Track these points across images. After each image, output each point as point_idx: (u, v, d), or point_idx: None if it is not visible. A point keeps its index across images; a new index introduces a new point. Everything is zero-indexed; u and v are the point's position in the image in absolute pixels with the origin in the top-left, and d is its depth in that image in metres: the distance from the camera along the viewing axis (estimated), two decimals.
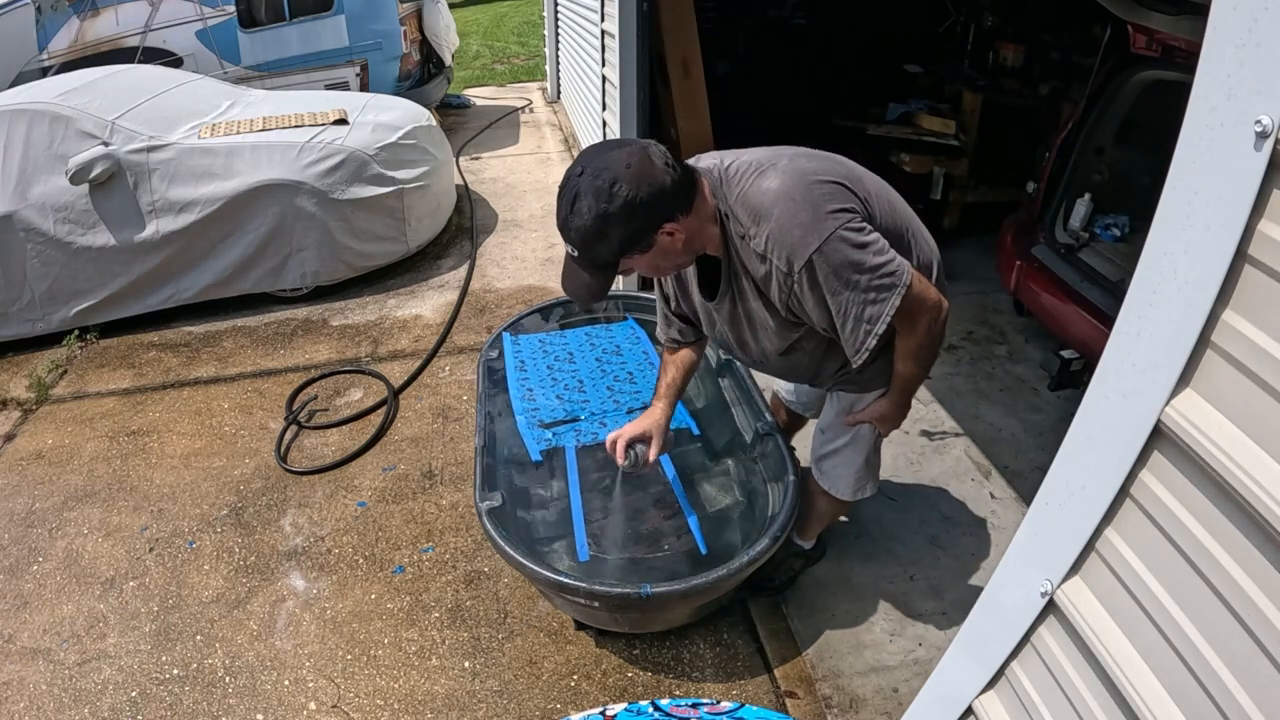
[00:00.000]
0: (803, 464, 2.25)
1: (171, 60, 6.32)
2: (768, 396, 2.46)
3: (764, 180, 1.45)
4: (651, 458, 1.90)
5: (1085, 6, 2.99)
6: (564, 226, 1.40)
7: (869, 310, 1.45)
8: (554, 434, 2.42)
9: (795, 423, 2.48)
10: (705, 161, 1.57)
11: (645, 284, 3.78)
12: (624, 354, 2.79)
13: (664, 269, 1.59)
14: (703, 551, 2.07)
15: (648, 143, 1.43)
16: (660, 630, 2.28)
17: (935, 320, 1.57)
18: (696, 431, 2.45)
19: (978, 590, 1.33)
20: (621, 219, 1.35)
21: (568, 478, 2.28)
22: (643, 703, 1.53)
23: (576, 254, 1.42)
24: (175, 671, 2.26)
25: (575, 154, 6.63)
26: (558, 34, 7.77)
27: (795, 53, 5.75)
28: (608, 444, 1.89)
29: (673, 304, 1.84)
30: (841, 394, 1.88)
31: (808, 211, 1.40)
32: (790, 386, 2.30)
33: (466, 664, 2.24)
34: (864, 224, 1.45)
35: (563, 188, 1.40)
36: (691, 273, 1.69)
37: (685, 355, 1.94)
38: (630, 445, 1.90)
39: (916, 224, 1.69)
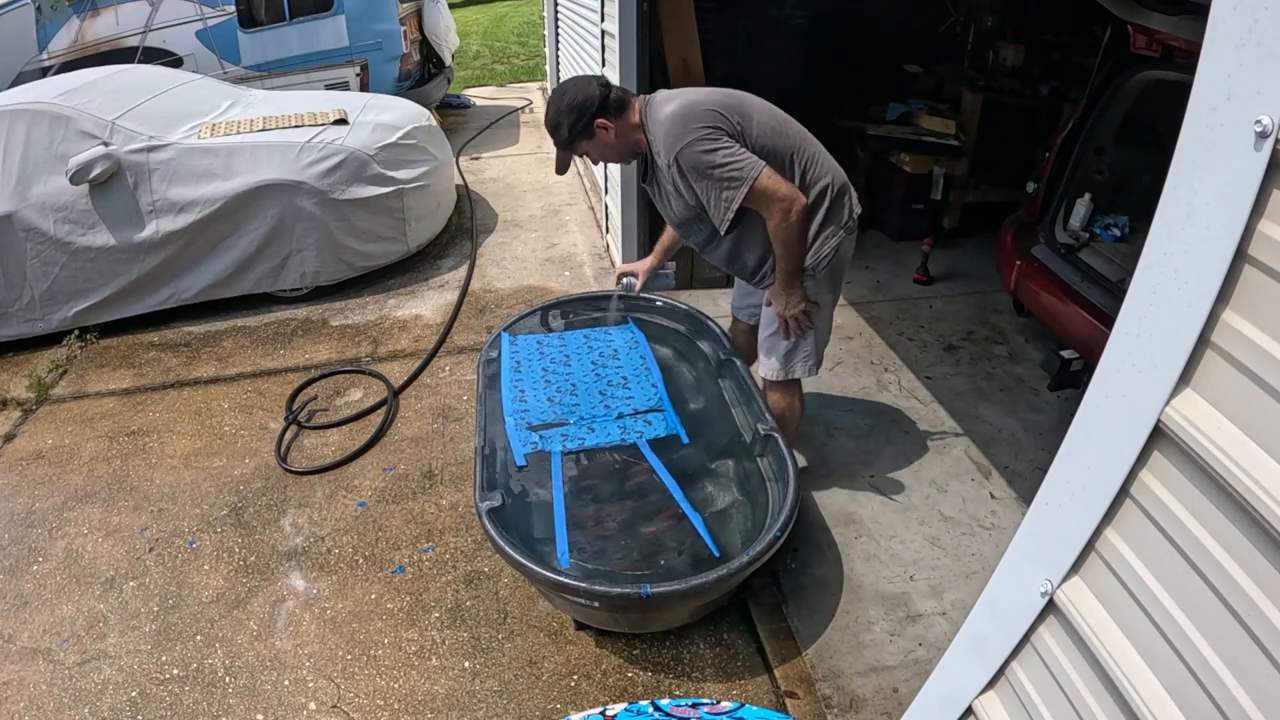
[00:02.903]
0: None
1: (171, 60, 6.32)
2: (726, 325, 2.85)
3: (666, 106, 2.13)
4: (638, 287, 2.77)
5: (1085, 6, 2.99)
6: (546, 120, 2.23)
7: (725, 193, 2.10)
8: (541, 437, 2.42)
9: (751, 338, 2.76)
10: (649, 95, 2.25)
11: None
12: (621, 358, 2.79)
13: (609, 156, 2.30)
14: (715, 554, 2.07)
15: (596, 76, 2.18)
16: (660, 630, 2.28)
17: (788, 208, 2.10)
18: (685, 440, 2.44)
19: (978, 590, 1.33)
20: (568, 113, 2.15)
21: (552, 482, 2.28)
22: (643, 703, 1.53)
23: (552, 138, 2.23)
24: (175, 671, 2.26)
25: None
26: (558, 34, 7.77)
27: (795, 53, 5.75)
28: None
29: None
30: (767, 292, 2.39)
31: (679, 126, 2.08)
32: (741, 301, 2.77)
33: (466, 664, 2.24)
34: (722, 137, 2.06)
35: (547, 104, 2.22)
36: (639, 166, 2.43)
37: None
38: (621, 277, 2.76)
39: (811, 155, 2.22)
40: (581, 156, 2.30)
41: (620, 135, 2.21)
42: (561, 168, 2.32)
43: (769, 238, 2.20)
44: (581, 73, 5.84)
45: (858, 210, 2.32)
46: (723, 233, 2.19)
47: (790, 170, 2.19)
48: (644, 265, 2.76)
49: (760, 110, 2.20)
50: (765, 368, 2.46)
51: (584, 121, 2.16)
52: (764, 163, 2.09)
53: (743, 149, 2.09)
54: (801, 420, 2.66)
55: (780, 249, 2.19)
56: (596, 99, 2.14)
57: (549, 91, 8.94)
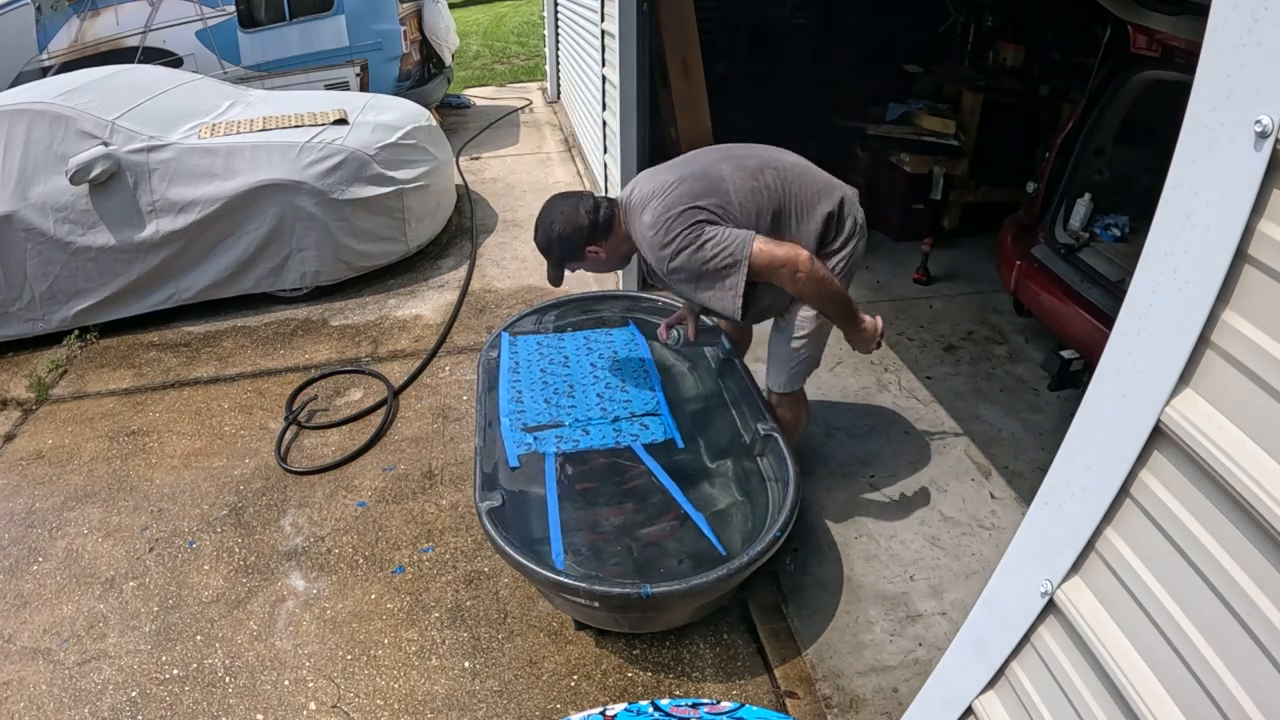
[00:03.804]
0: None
1: (171, 60, 6.32)
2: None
3: (643, 215, 2.10)
4: (691, 335, 2.57)
5: (1085, 6, 2.99)
6: (537, 243, 2.28)
7: (726, 281, 2.04)
8: (535, 438, 2.42)
9: (742, 335, 2.84)
10: (624, 192, 2.26)
11: (646, 284, 3.78)
12: (620, 360, 2.79)
13: (602, 271, 2.36)
14: (721, 552, 2.07)
15: (583, 197, 2.20)
16: (660, 630, 2.28)
17: (794, 269, 2.03)
18: (680, 445, 2.44)
19: (978, 590, 1.33)
20: (558, 243, 2.19)
21: (546, 484, 2.28)
22: (643, 703, 1.53)
23: (544, 256, 2.28)
24: (175, 671, 2.26)
25: (575, 154, 6.64)
26: (558, 34, 7.77)
27: (795, 53, 5.75)
28: (658, 333, 2.63)
29: None
30: (776, 318, 2.39)
31: (661, 235, 2.05)
32: None
33: (466, 664, 2.24)
34: (704, 229, 2.02)
35: (535, 227, 2.24)
36: (640, 265, 2.41)
37: None
38: (670, 328, 2.59)
39: (798, 193, 2.16)
40: (574, 271, 2.32)
41: (611, 253, 2.24)
42: (556, 282, 2.33)
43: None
44: (585, 77, 5.85)
45: (861, 217, 2.27)
46: (740, 321, 2.17)
47: (784, 219, 2.14)
48: (687, 310, 2.61)
49: (733, 176, 2.12)
50: (774, 380, 2.43)
51: (574, 250, 2.20)
52: (753, 233, 2.03)
53: (728, 229, 2.03)
54: (806, 425, 2.67)
55: (815, 305, 2.16)
56: (585, 228, 2.15)
57: (548, 92, 8.97)
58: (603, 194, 2.28)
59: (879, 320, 2.24)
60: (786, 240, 2.11)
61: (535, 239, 2.25)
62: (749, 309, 2.12)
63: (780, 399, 2.47)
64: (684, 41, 4.28)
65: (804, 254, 2.03)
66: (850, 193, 2.27)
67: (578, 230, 2.15)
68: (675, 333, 2.57)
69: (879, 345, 2.25)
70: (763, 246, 2.01)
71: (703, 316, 2.66)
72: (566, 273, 2.31)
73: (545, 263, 2.30)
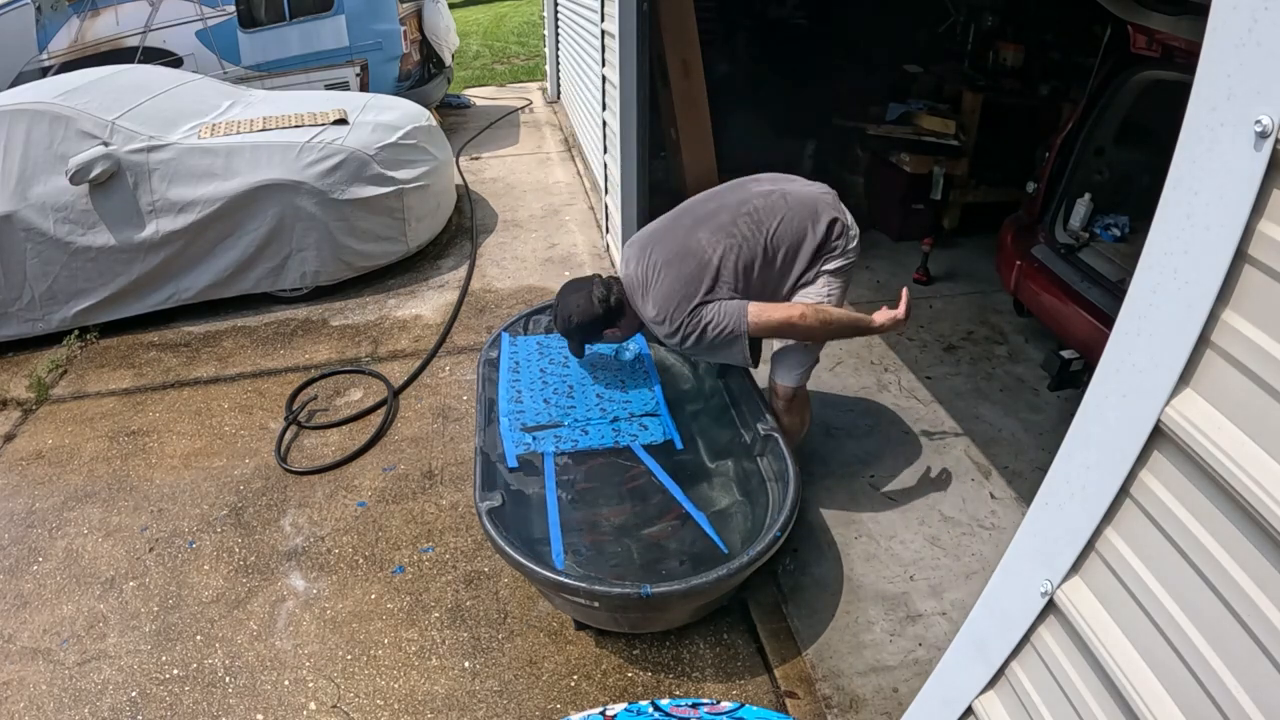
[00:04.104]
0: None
1: (171, 60, 6.32)
2: None
3: (646, 307, 2.29)
4: None
5: (1085, 6, 2.99)
6: (557, 330, 2.51)
7: (732, 349, 2.26)
8: (534, 439, 2.42)
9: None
10: (620, 267, 2.42)
11: None
12: (621, 361, 2.79)
13: (618, 340, 2.54)
14: (724, 550, 2.07)
15: (594, 285, 2.36)
16: (660, 630, 2.28)
17: (794, 327, 2.21)
18: (679, 445, 2.44)
19: (978, 590, 1.33)
20: (576, 332, 2.40)
21: (545, 484, 2.28)
22: (643, 703, 1.53)
23: (565, 337, 2.49)
24: (175, 671, 2.26)
25: (575, 154, 6.63)
26: (558, 34, 7.77)
27: (795, 52, 5.75)
28: None
29: None
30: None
31: (667, 326, 2.24)
32: None
33: (466, 664, 2.24)
34: (702, 312, 2.19)
35: (553, 315, 2.54)
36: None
37: None
38: None
39: (781, 233, 2.25)
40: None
41: (626, 329, 2.43)
42: (579, 355, 2.57)
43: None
44: (585, 77, 5.84)
45: (849, 219, 2.33)
46: (752, 367, 2.41)
47: (770, 260, 2.26)
48: None
49: (711, 244, 2.22)
50: (782, 378, 2.48)
51: (593, 335, 2.42)
52: (746, 307, 2.18)
53: (723, 305, 2.19)
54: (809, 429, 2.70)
55: (827, 339, 2.37)
56: (600, 318, 2.34)
57: (548, 92, 8.97)
58: (609, 276, 2.44)
59: (900, 306, 2.28)
60: (777, 275, 2.28)
61: (556, 327, 2.47)
62: (757, 354, 2.37)
63: (786, 401, 2.49)
64: (684, 41, 4.28)
65: (796, 310, 2.20)
66: (829, 199, 2.33)
67: (594, 320, 2.35)
68: None
69: (906, 321, 2.32)
70: (756, 318, 2.18)
71: None
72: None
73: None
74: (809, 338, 2.31)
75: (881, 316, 2.28)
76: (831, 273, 2.29)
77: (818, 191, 2.33)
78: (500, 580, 2.51)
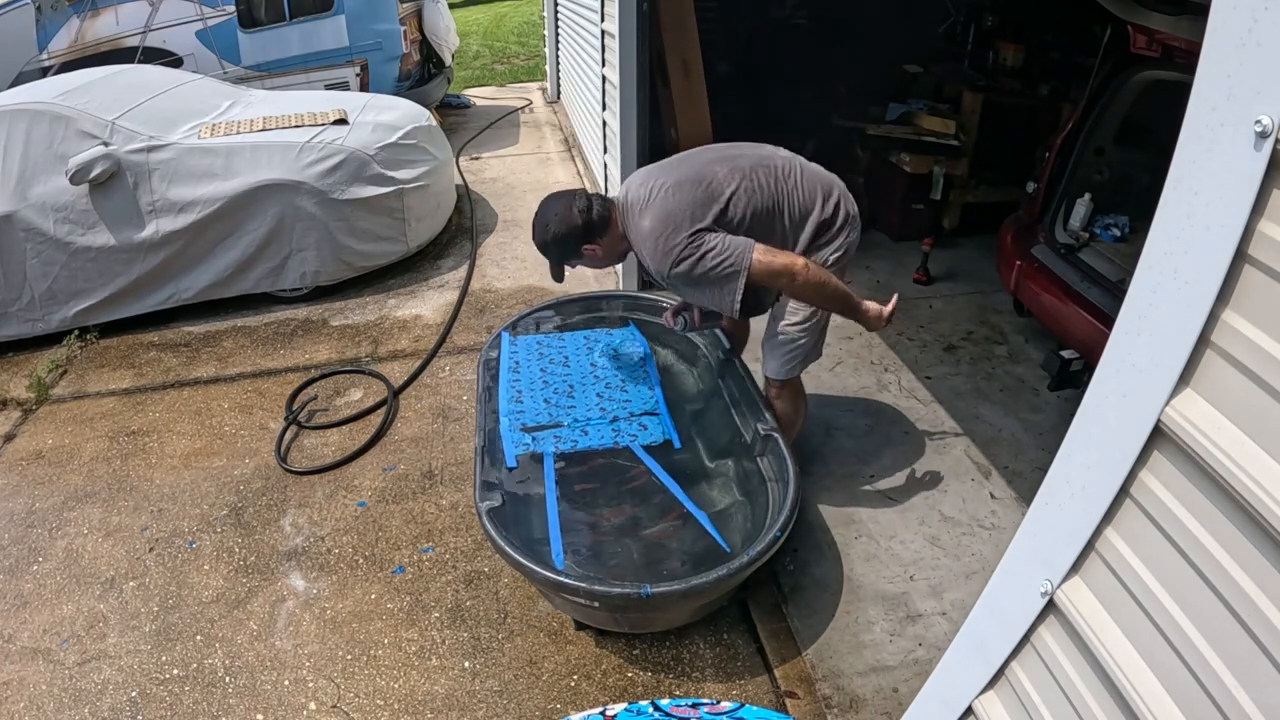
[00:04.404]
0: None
1: (171, 60, 6.32)
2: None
3: (642, 222, 2.13)
4: (697, 320, 2.55)
5: (1085, 6, 2.99)
6: (535, 243, 2.31)
7: (725, 288, 2.09)
8: (534, 439, 2.42)
9: (741, 334, 2.82)
10: (620, 191, 2.28)
11: (645, 284, 3.78)
12: (620, 360, 2.79)
13: (600, 267, 2.38)
14: (726, 548, 2.07)
15: (577, 195, 2.21)
16: (660, 630, 2.28)
17: (792, 276, 2.08)
18: (678, 445, 2.44)
19: (978, 590, 1.33)
20: (554, 244, 2.22)
21: (545, 484, 2.28)
22: (643, 703, 1.53)
23: (543, 254, 2.31)
24: (175, 671, 2.26)
25: (575, 154, 6.63)
26: (558, 34, 7.77)
27: (795, 53, 5.75)
28: (664, 318, 2.63)
29: None
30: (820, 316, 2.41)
31: (662, 243, 2.09)
32: None
33: (466, 664, 2.24)
34: (705, 237, 2.06)
35: (532, 227, 2.27)
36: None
37: None
38: (677, 313, 2.57)
39: (792, 193, 2.21)
40: (574, 268, 2.37)
41: (608, 250, 2.26)
42: (559, 279, 2.37)
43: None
44: (585, 77, 5.84)
45: (853, 209, 2.31)
46: (737, 318, 2.23)
47: (779, 217, 2.20)
48: None
49: (728, 178, 2.15)
50: (769, 367, 2.45)
51: (571, 249, 2.23)
52: (753, 243, 2.07)
53: (728, 238, 2.07)
54: (805, 421, 2.67)
55: (815, 305, 2.23)
56: (580, 228, 2.17)
57: (548, 92, 8.97)
58: (596, 192, 2.27)
59: (888, 306, 2.26)
60: (779, 236, 2.19)
61: (533, 239, 2.27)
62: (746, 307, 2.16)
63: (778, 389, 2.48)
64: (684, 41, 4.28)
65: (800, 261, 2.08)
66: (841, 186, 2.30)
67: (573, 230, 2.17)
68: (681, 319, 2.60)
69: (887, 322, 2.28)
70: (761, 257, 2.05)
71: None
72: (568, 270, 2.35)
73: (546, 262, 2.31)
74: (804, 295, 2.18)
75: (870, 305, 2.24)
76: (830, 253, 2.27)
77: (831, 177, 2.33)
78: (500, 580, 2.51)
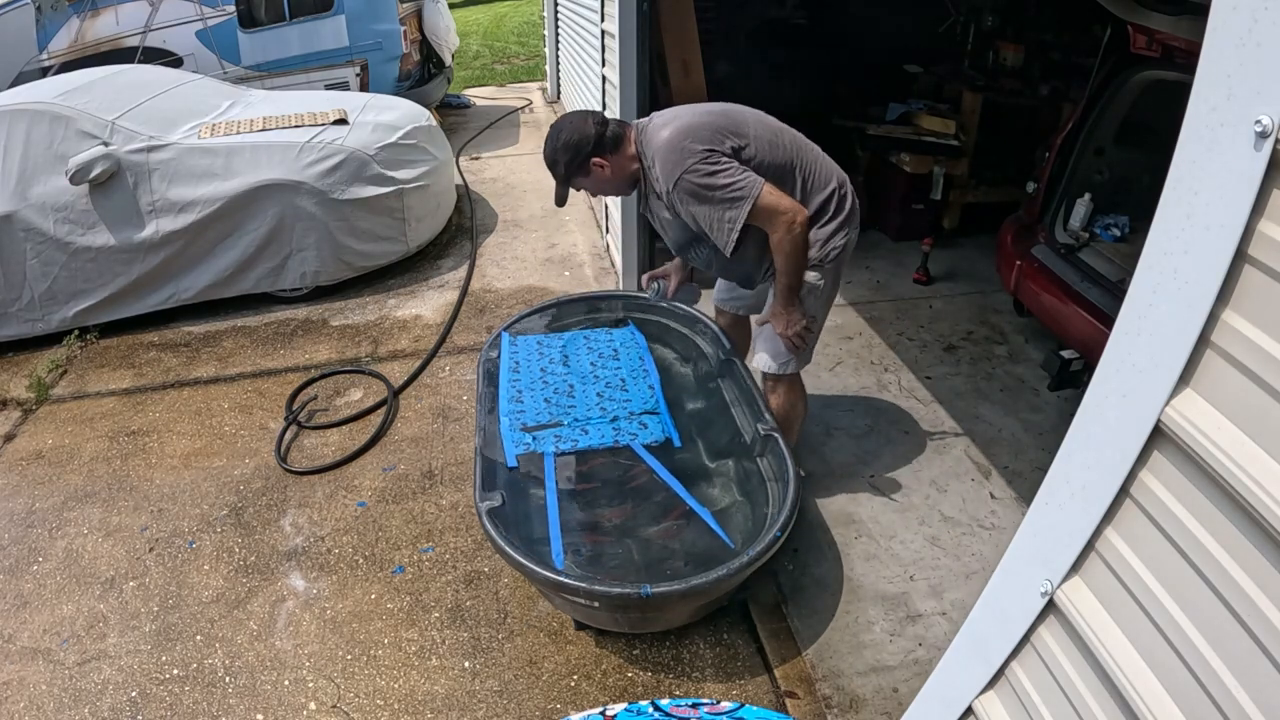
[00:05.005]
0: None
1: (171, 60, 6.32)
2: (711, 311, 2.83)
3: (661, 133, 2.14)
4: (670, 291, 2.62)
5: (1085, 6, 2.99)
6: (544, 156, 2.27)
7: (728, 214, 2.10)
8: (534, 438, 2.42)
9: (738, 328, 2.80)
10: (644, 119, 2.27)
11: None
12: (620, 360, 2.78)
13: (606, 191, 2.37)
14: (730, 545, 2.07)
15: (594, 112, 2.21)
16: (660, 630, 2.28)
17: (791, 222, 2.11)
18: (678, 444, 2.44)
19: (978, 590, 1.33)
20: (564, 152, 2.19)
21: (545, 484, 2.28)
22: (643, 703, 1.53)
23: (551, 173, 2.26)
24: (175, 671, 2.26)
25: None
26: (558, 34, 7.77)
27: (795, 53, 5.75)
28: (641, 279, 2.68)
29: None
30: (766, 309, 2.39)
31: (676, 154, 2.09)
32: (726, 294, 2.73)
33: (466, 664, 2.24)
34: (720, 158, 2.07)
35: (545, 141, 2.26)
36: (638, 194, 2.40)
37: None
38: (653, 279, 2.62)
39: (810, 162, 2.24)
40: (579, 190, 2.35)
41: (616, 171, 2.24)
42: (560, 201, 2.34)
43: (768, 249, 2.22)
44: (585, 77, 5.85)
45: (856, 204, 2.33)
46: (728, 254, 2.19)
47: (792, 181, 2.20)
48: (673, 265, 2.68)
49: (756, 124, 2.20)
50: (761, 361, 2.45)
51: (580, 160, 2.19)
52: (764, 179, 2.09)
53: (742, 167, 2.09)
54: (804, 420, 2.66)
55: (782, 263, 2.19)
56: (592, 138, 2.16)
57: (548, 92, 8.97)
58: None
59: (803, 319, 2.29)
60: (789, 195, 2.19)
61: (543, 152, 2.26)
62: (738, 257, 2.20)
63: (773, 385, 2.47)
64: (684, 41, 4.27)
65: (803, 214, 2.13)
66: (847, 178, 2.34)
67: (585, 139, 2.16)
68: (656, 285, 2.63)
69: (796, 335, 2.30)
70: (770, 192, 2.09)
71: (690, 282, 2.73)
72: (571, 193, 2.31)
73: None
74: (784, 248, 2.15)
75: (798, 310, 2.27)
76: (834, 243, 2.27)
77: (843, 173, 2.35)
78: (500, 580, 2.51)
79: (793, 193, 2.19)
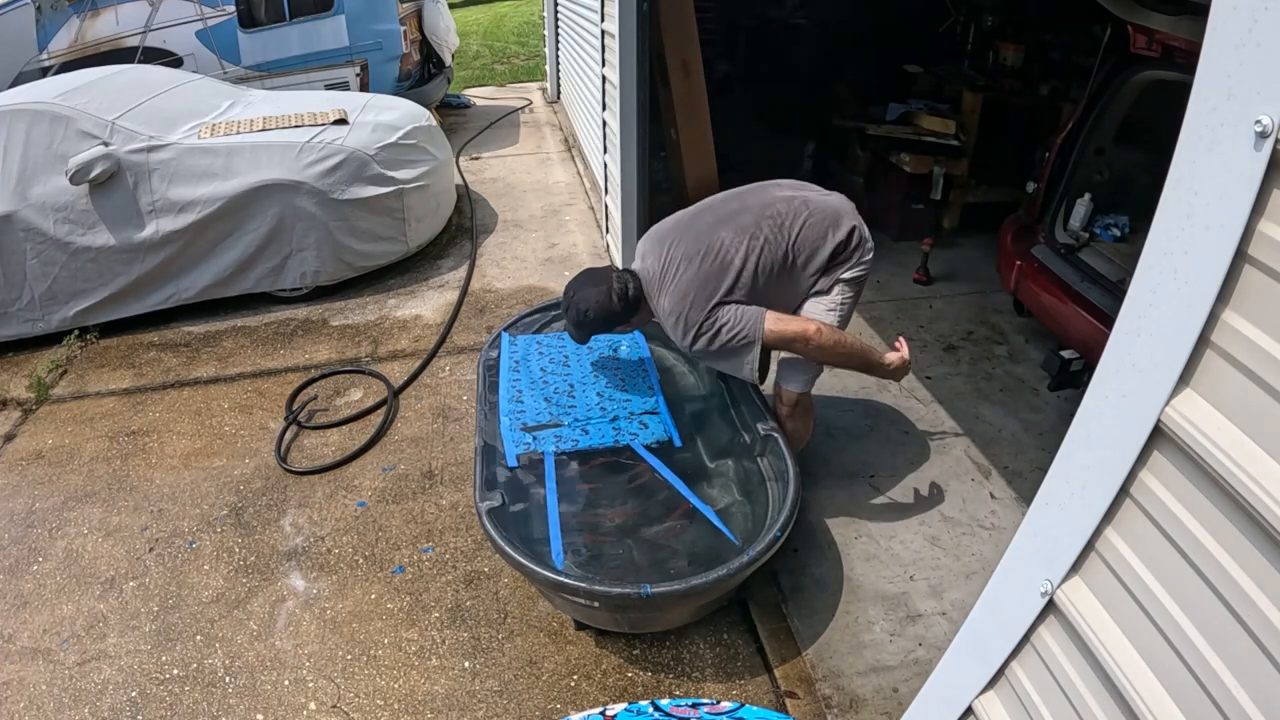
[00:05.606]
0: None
1: (171, 60, 6.32)
2: None
3: (662, 300, 2.26)
4: None
5: (1085, 6, 2.99)
6: (568, 320, 2.39)
7: (743, 357, 2.22)
8: (535, 438, 2.41)
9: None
10: (635, 262, 2.38)
11: None
12: (620, 360, 2.78)
13: (628, 333, 2.59)
14: (735, 542, 2.07)
15: (612, 279, 2.30)
16: (660, 630, 2.28)
17: (807, 342, 2.19)
18: (679, 444, 2.44)
19: (978, 590, 1.33)
20: (589, 325, 2.34)
21: (545, 484, 2.28)
22: (643, 703, 1.53)
23: (577, 331, 2.41)
24: (175, 671, 2.26)
25: (575, 154, 6.63)
26: (558, 34, 7.77)
27: (795, 53, 5.75)
28: None
29: None
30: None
31: (681, 322, 2.21)
32: None
33: (466, 664, 2.24)
34: (719, 313, 2.17)
35: (565, 304, 2.39)
36: None
37: None
38: None
39: (802, 234, 2.26)
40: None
41: (638, 323, 2.43)
42: (582, 343, 2.54)
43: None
44: (585, 77, 5.85)
45: (865, 231, 2.33)
46: (759, 384, 2.36)
47: (794, 269, 2.26)
48: None
49: (734, 244, 2.21)
50: (796, 384, 2.42)
51: (607, 330, 2.40)
52: (764, 314, 2.17)
53: (741, 309, 2.18)
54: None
55: (836, 364, 2.32)
56: (619, 314, 2.30)
57: (548, 92, 8.96)
58: (623, 271, 2.39)
59: (902, 351, 2.35)
60: (795, 281, 2.27)
61: (566, 316, 2.37)
62: (765, 371, 2.33)
63: (790, 408, 2.45)
64: (684, 41, 4.27)
65: (812, 326, 2.19)
66: (850, 209, 2.35)
67: (611, 316, 2.30)
68: None
69: (907, 371, 2.37)
70: (774, 326, 2.17)
71: None
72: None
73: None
74: (818, 357, 2.27)
75: (893, 357, 2.32)
76: (845, 281, 2.31)
77: (838, 201, 2.35)
78: (500, 580, 2.51)
79: (797, 274, 2.26)
